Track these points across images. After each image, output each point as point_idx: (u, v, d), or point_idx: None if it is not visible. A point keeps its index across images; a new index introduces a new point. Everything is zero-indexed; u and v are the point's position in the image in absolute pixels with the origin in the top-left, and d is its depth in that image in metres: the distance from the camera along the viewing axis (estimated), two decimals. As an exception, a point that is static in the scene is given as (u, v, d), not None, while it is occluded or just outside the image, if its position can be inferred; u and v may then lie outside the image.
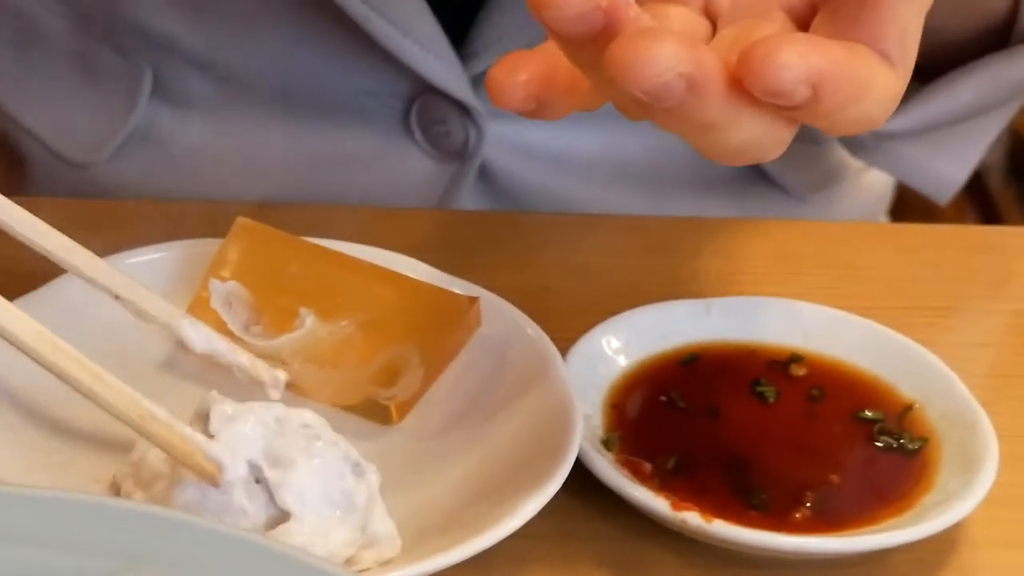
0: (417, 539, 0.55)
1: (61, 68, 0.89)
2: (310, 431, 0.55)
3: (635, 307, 0.67)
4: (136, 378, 0.56)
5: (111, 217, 0.77)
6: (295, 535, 0.53)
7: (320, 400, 0.62)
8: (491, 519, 0.54)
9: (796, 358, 0.66)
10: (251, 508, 0.53)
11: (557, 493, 0.55)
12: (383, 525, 0.55)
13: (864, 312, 0.68)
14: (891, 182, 1.05)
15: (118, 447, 0.59)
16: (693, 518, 0.55)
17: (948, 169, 0.87)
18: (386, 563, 0.54)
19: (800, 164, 0.92)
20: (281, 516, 0.53)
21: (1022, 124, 2.95)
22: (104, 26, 0.87)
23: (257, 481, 0.53)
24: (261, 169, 0.88)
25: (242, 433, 0.53)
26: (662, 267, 0.76)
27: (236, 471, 0.52)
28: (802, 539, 0.55)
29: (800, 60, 0.45)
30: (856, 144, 0.86)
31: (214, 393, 0.55)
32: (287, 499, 0.53)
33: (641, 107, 0.47)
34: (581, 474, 0.57)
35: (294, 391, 0.63)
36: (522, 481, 0.56)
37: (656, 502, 0.56)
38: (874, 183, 1.02)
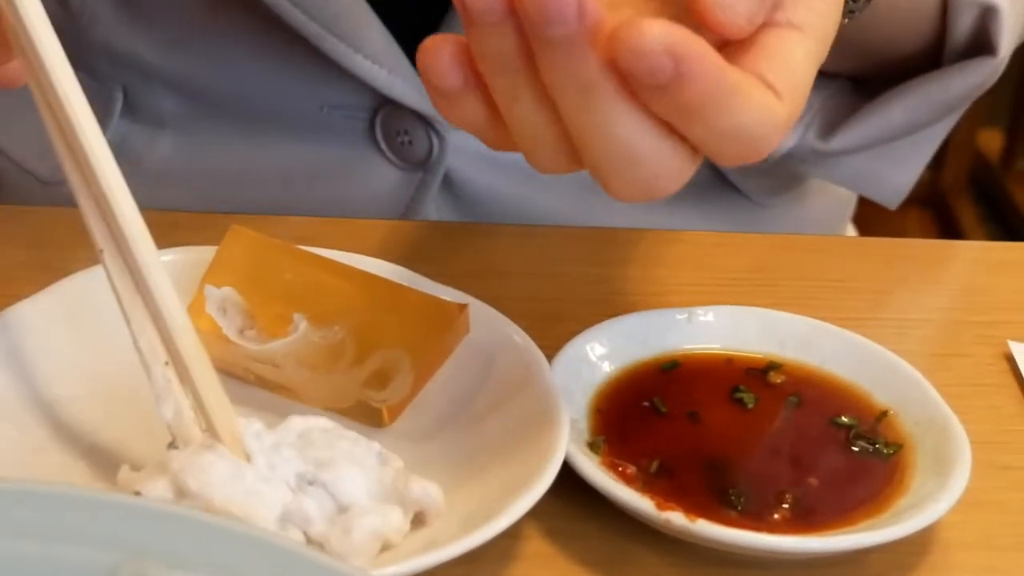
0: (406, 538, 0.57)
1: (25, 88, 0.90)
2: (331, 434, 0.57)
3: (617, 316, 0.69)
4: (133, 397, 0.58)
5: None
6: (364, 522, 0.55)
7: (313, 403, 0.64)
8: (480, 518, 0.55)
9: (774, 366, 0.68)
10: (317, 511, 0.55)
11: (544, 494, 0.56)
12: (423, 493, 0.57)
13: (838, 323, 0.70)
14: None
15: (115, 453, 0.61)
16: (677, 518, 0.57)
17: (894, 176, 0.89)
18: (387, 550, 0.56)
19: (760, 170, 0.94)
20: (341, 509, 0.55)
21: (984, 144, 2.98)
22: (73, 48, 0.88)
23: (311, 483, 0.55)
24: (231, 184, 0.89)
25: (285, 457, 0.56)
26: (641, 278, 0.78)
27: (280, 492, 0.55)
28: (781, 539, 0.57)
29: (663, 29, 0.47)
30: (798, 158, 0.87)
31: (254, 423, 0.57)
32: (347, 491, 0.55)
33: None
34: (567, 476, 0.59)
35: (288, 395, 0.64)
36: (510, 482, 0.58)
37: (641, 502, 0.58)
38: (837, 189, 1.04)
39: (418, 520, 0.57)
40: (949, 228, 2.85)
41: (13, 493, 0.44)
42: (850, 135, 0.84)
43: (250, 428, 0.56)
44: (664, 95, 0.48)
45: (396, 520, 0.56)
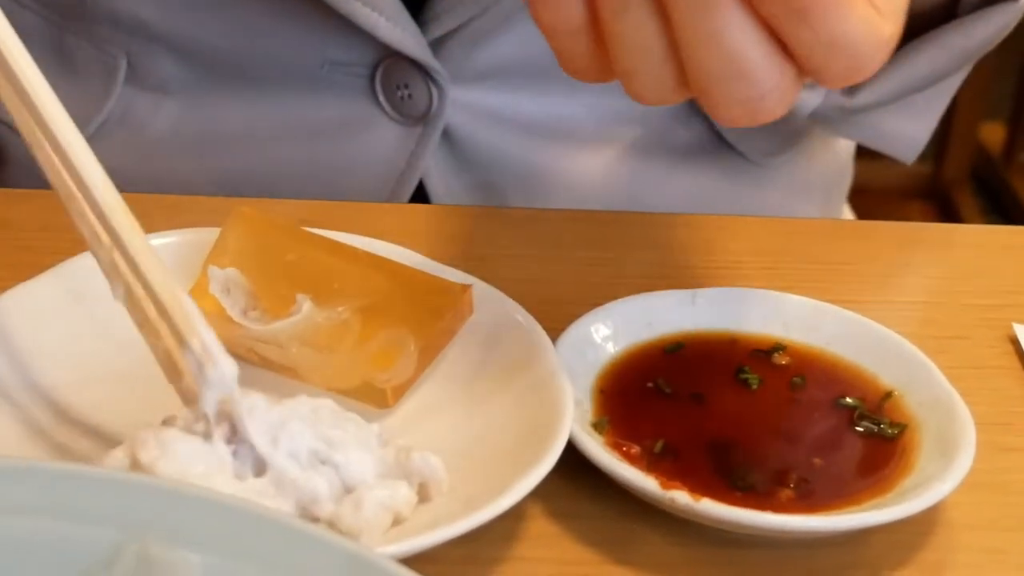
0: (410, 517, 0.57)
1: (37, 60, 0.90)
2: (338, 414, 0.57)
3: (621, 298, 0.68)
4: (132, 377, 0.58)
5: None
6: (374, 496, 0.55)
7: (317, 384, 0.64)
8: (483, 498, 0.55)
9: (778, 347, 0.68)
10: (327, 490, 0.55)
11: (548, 475, 0.56)
12: (424, 463, 0.57)
13: (841, 305, 0.70)
14: (851, 153, 1.07)
15: (113, 436, 0.61)
16: (681, 497, 0.57)
17: (911, 131, 0.89)
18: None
19: (757, 130, 0.94)
20: (347, 489, 0.56)
21: (986, 137, 2.98)
22: (76, 17, 0.88)
23: (322, 462, 0.55)
24: (233, 145, 0.89)
25: (297, 431, 0.55)
26: (645, 260, 0.78)
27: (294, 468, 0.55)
28: (786, 518, 0.57)
29: None
30: (824, 117, 0.87)
31: (254, 396, 0.57)
32: (356, 474, 0.55)
33: None
34: (571, 456, 0.59)
35: (292, 376, 0.64)
36: (514, 462, 0.57)
37: (646, 482, 0.58)
38: (837, 152, 1.03)
39: (421, 495, 0.57)
40: (951, 220, 2.85)
41: (15, 471, 0.44)
42: (875, 90, 0.84)
43: (243, 404, 0.55)
44: None
45: (404, 492, 0.56)
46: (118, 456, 0.55)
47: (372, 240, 0.69)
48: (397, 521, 0.56)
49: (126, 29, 0.87)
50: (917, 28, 0.83)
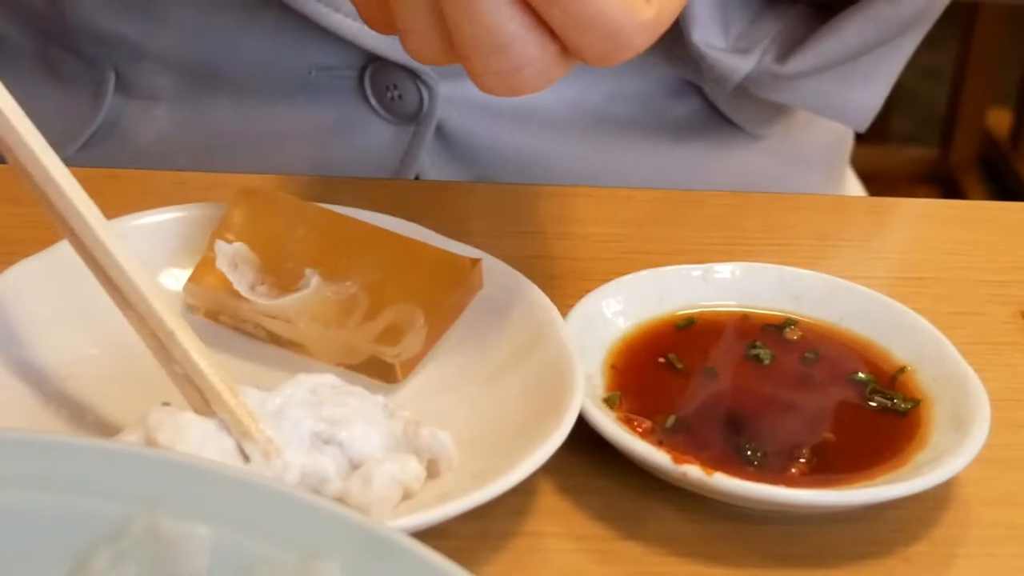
0: (420, 492, 0.56)
1: (26, 73, 0.91)
2: (340, 389, 0.57)
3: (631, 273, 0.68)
4: (138, 353, 0.57)
5: (106, 186, 0.78)
6: (383, 470, 0.55)
7: (325, 359, 0.63)
8: (494, 473, 0.55)
9: (790, 322, 0.67)
10: (334, 467, 0.55)
11: (559, 450, 0.56)
12: (433, 439, 0.57)
13: (853, 282, 0.69)
14: None
15: (113, 415, 0.60)
16: (694, 471, 0.57)
17: (859, 97, 0.89)
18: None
19: (747, 98, 0.93)
20: (357, 465, 0.55)
21: (993, 124, 2.98)
22: (60, 34, 0.88)
23: (326, 443, 0.55)
24: (225, 151, 0.89)
25: (297, 418, 0.55)
26: (655, 237, 0.78)
27: (298, 454, 0.55)
28: (799, 492, 0.57)
29: None
30: (756, 82, 0.87)
31: (248, 389, 0.56)
32: (362, 449, 0.55)
33: None
34: (581, 432, 0.58)
35: (299, 351, 0.64)
36: (525, 436, 0.57)
37: (658, 456, 0.57)
38: (832, 124, 1.03)
39: (431, 471, 0.57)
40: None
41: (24, 443, 0.44)
42: (805, 58, 0.84)
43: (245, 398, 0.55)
44: None
45: (413, 467, 0.55)
46: (131, 439, 0.55)
47: (380, 215, 0.68)
48: (407, 496, 0.55)
49: (110, 45, 0.87)
50: None
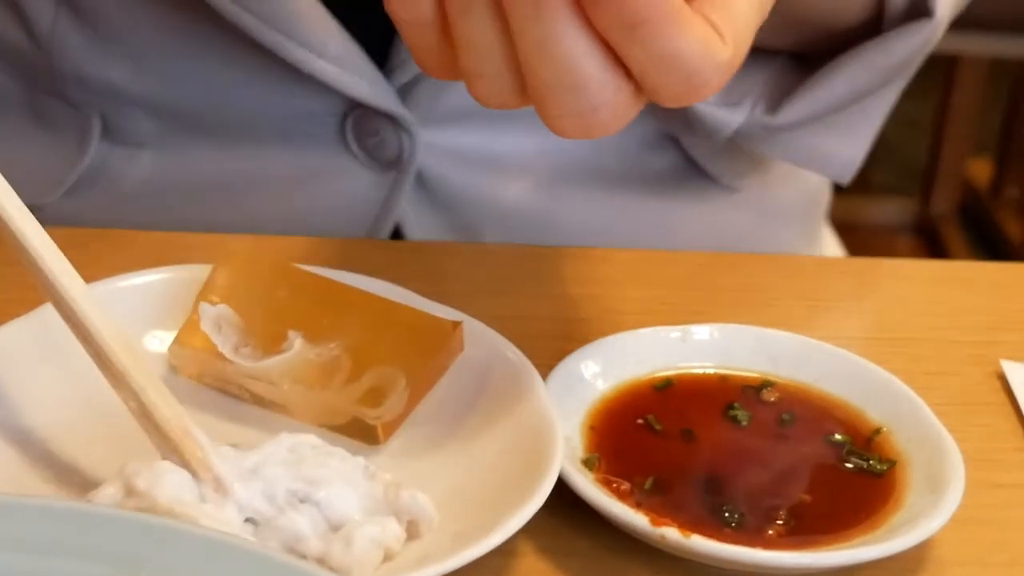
0: (400, 553, 0.57)
1: (11, 118, 0.91)
2: (321, 449, 0.57)
3: (610, 334, 0.69)
4: (121, 413, 0.58)
5: (89, 245, 0.78)
6: (364, 532, 0.55)
7: (308, 420, 0.64)
8: (474, 534, 0.55)
9: (767, 384, 0.68)
10: (310, 528, 0.55)
11: (538, 512, 0.56)
12: (412, 502, 0.57)
13: (830, 342, 0.70)
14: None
15: (95, 477, 0.61)
16: (672, 533, 0.57)
17: (843, 150, 0.89)
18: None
19: (725, 151, 0.94)
20: (333, 527, 0.56)
21: (974, 174, 3.00)
22: (47, 79, 0.89)
23: (302, 501, 0.55)
24: (208, 196, 0.89)
25: (273, 476, 0.56)
26: (633, 297, 0.78)
27: (272, 508, 0.56)
28: (777, 554, 0.57)
29: None
30: (748, 135, 0.88)
31: (222, 448, 0.57)
32: (340, 510, 0.56)
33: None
34: (561, 493, 0.59)
35: (282, 412, 0.64)
36: (504, 498, 0.58)
37: (636, 518, 0.58)
38: (807, 176, 1.04)
39: (411, 532, 0.57)
40: (938, 256, 2.86)
41: (8, 507, 0.44)
42: (797, 107, 0.84)
43: (216, 454, 0.56)
44: (608, 2, 0.49)
45: (394, 528, 0.56)
46: (109, 491, 0.55)
47: (362, 277, 0.69)
48: (387, 557, 0.56)
49: (96, 91, 0.88)
50: (839, 47, 0.84)
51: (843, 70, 0.83)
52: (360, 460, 0.59)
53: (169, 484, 0.55)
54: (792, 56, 0.89)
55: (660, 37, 0.50)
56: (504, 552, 0.57)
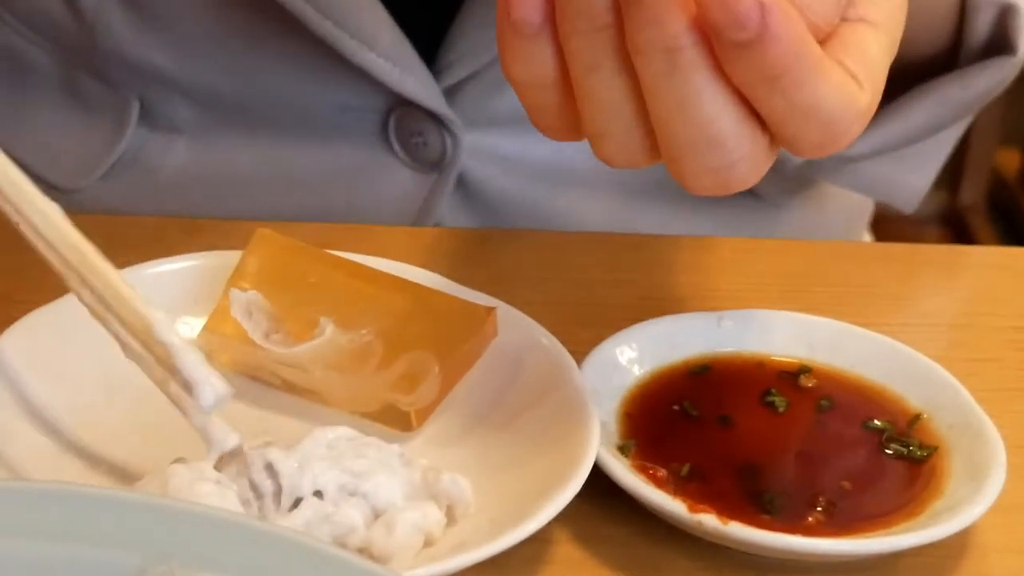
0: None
1: (49, 98, 0.91)
2: (357, 441, 0.57)
3: (646, 320, 0.68)
4: (149, 400, 0.57)
5: (119, 232, 0.78)
6: (405, 518, 0.55)
7: (340, 407, 0.63)
8: (508, 522, 0.55)
9: (805, 369, 0.67)
10: (360, 518, 0.55)
11: (574, 499, 0.56)
12: (452, 484, 0.57)
13: (868, 328, 0.69)
14: None
15: (136, 459, 0.60)
16: (709, 520, 0.56)
17: (910, 180, 0.88)
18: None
19: (774, 171, 0.93)
20: (377, 515, 0.55)
21: (1003, 164, 2.98)
22: (88, 59, 0.88)
23: (351, 495, 0.55)
24: (245, 188, 0.89)
25: (320, 472, 0.55)
26: (669, 283, 0.78)
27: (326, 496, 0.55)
28: (815, 541, 0.56)
29: None
30: (818, 166, 0.87)
31: (268, 446, 0.56)
32: (385, 498, 0.55)
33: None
34: (597, 480, 0.58)
35: (314, 399, 0.64)
36: (540, 485, 0.57)
37: (673, 505, 0.57)
38: (852, 192, 1.03)
39: (448, 518, 0.57)
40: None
41: (38, 494, 0.43)
42: (871, 138, 0.83)
43: (260, 460, 0.55)
44: (748, 55, 0.48)
45: (434, 513, 0.55)
46: (147, 489, 0.55)
47: (395, 262, 0.68)
48: (428, 543, 0.55)
49: (138, 73, 0.87)
50: (914, 76, 0.83)
51: (921, 104, 0.82)
52: (395, 448, 0.58)
53: (207, 491, 0.54)
54: None
55: (801, 88, 0.49)
56: (539, 539, 0.57)
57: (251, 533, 0.43)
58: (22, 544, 0.42)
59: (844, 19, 0.52)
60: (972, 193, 2.99)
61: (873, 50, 0.52)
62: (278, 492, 0.55)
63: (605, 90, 0.51)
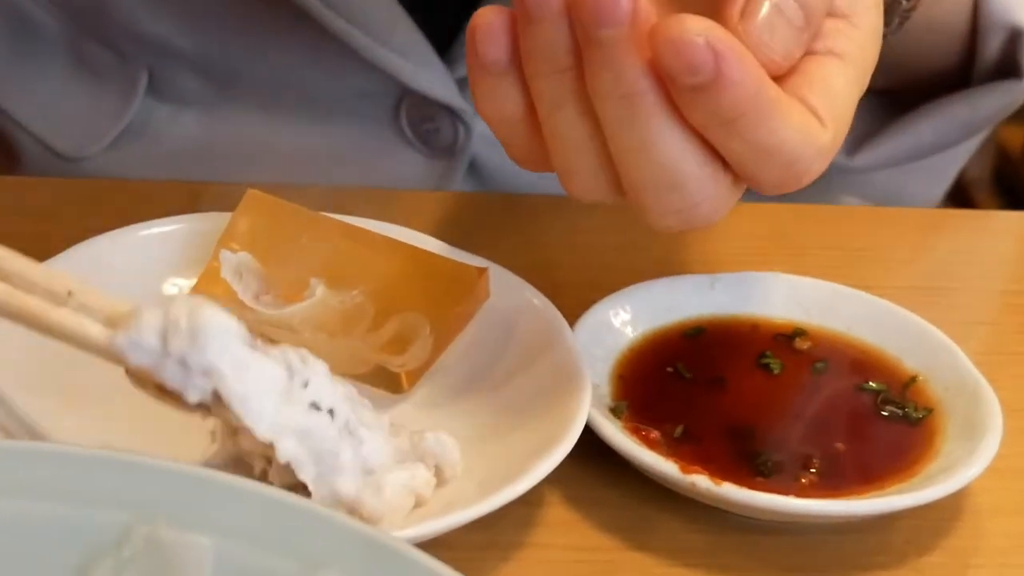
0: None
1: (57, 65, 0.90)
2: (355, 401, 0.56)
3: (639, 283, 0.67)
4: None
5: (116, 196, 0.78)
6: (394, 478, 0.54)
7: (331, 369, 0.62)
8: (500, 483, 0.54)
9: (800, 332, 0.67)
10: (351, 458, 0.54)
11: (564, 462, 0.55)
12: (436, 443, 0.56)
13: (865, 291, 0.69)
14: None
15: (130, 418, 0.59)
16: (702, 481, 0.56)
17: (922, 191, 0.88)
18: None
19: None
20: (366, 471, 0.54)
21: (1007, 139, 2.97)
22: (98, 28, 0.88)
23: (351, 434, 0.54)
24: (251, 164, 0.88)
25: (338, 397, 0.54)
26: (665, 246, 0.77)
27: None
28: (809, 502, 0.56)
29: (704, 23, 0.47)
30: (826, 177, 0.86)
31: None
32: (374, 453, 0.54)
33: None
34: (588, 442, 0.58)
35: (304, 361, 0.63)
36: (530, 446, 0.56)
37: (666, 466, 0.57)
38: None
39: (437, 479, 0.56)
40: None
41: (24, 453, 0.43)
42: (877, 152, 0.83)
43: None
44: (703, 99, 0.48)
45: (423, 474, 0.55)
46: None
47: (386, 224, 0.68)
48: (418, 503, 0.55)
49: (149, 45, 0.87)
50: (927, 91, 0.82)
51: (928, 120, 0.82)
52: (385, 417, 0.57)
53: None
54: (871, 95, 0.87)
55: (758, 129, 0.49)
56: (530, 501, 0.56)
57: (236, 491, 0.42)
58: (8, 502, 0.42)
59: (812, 52, 0.52)
60: (976, 169, 2.98)
61: (838, 84, 0.52)
62: (305, 384, 0.53)
63: (570, 129, 0.51)
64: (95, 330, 0.51)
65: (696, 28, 0.47)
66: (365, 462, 0.54)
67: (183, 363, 0.49)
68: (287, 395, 0.52)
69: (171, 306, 0.50)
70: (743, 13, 0.50)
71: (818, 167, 0.51)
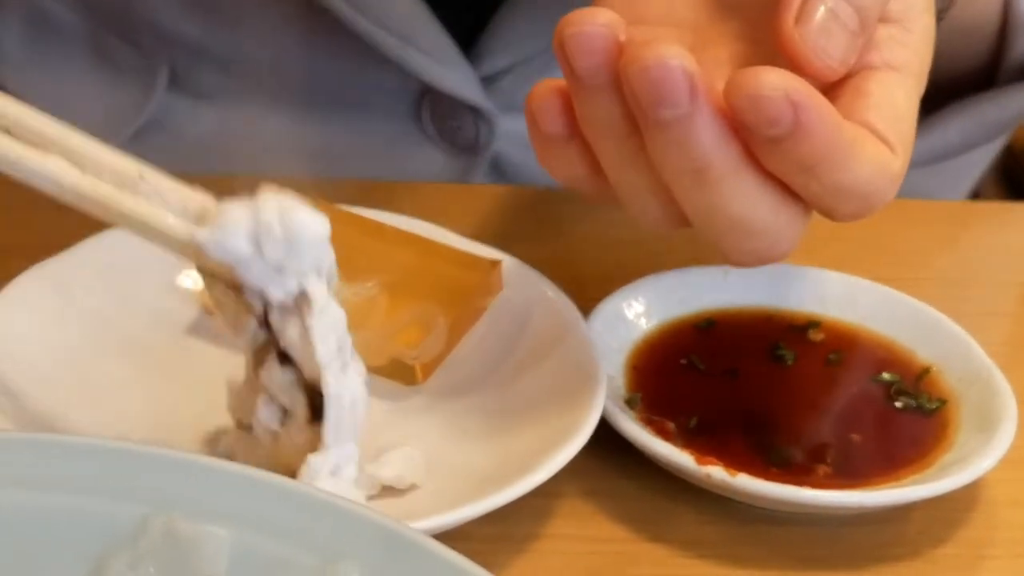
0: (441, 494, 0.56)
1: (77, 60, 0.90)
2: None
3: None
4: (165, 339, 0.57)
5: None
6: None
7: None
8: (515, 475, 0.54)
9: (813, 323, 0.67)
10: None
11: (579, 453, 0.56)
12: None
13: (879, 283, 0.69)
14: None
15: (144, 411, 0.60)
16: (717, 472, 0.56)
17: (947, 191, 0.88)
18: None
19: None
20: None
21: (1015, 136, 2.96)
22: (118, 22, 0.88)
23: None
24: (272, 158, 0.88)
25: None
26: (679, 239, 0.77)
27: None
28: (823, 493, 0.56)
29: (780, 76, 0.47)
30: None
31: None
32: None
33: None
34: (603, 434, 0.58)
35: (319, 352, 0.63)
36: (546, 438, 0.57)
37: (681, 457, 0.57)
38: None
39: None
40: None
41: (41, 445, 0.43)
42: None
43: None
44: (783, 149, 0.48)
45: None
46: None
47: (401, 216, 0.68)
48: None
49: (170, 40, 0.87)
50: (951, 90, 0.82)
51: (955, 121, 0.82)
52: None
53: None
54: None
55: (836, 171, 0.49)
56: (546, 493, 0.56)
57: (254, 483, 0.43)
58: (25, 494, 0.42)
59: (870, 66, 0.52)
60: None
61: (901, 101, 0.52)
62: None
63: (635, 183, 0.52)
64: (173, 222, 0.50)
65: (773, 82, 0.47)
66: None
67: (279, 268, 0.50)
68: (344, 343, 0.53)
69: (261, 206, 0.50)
70: (798, 18, 0.50)
71: (891, 193, 0.52)
